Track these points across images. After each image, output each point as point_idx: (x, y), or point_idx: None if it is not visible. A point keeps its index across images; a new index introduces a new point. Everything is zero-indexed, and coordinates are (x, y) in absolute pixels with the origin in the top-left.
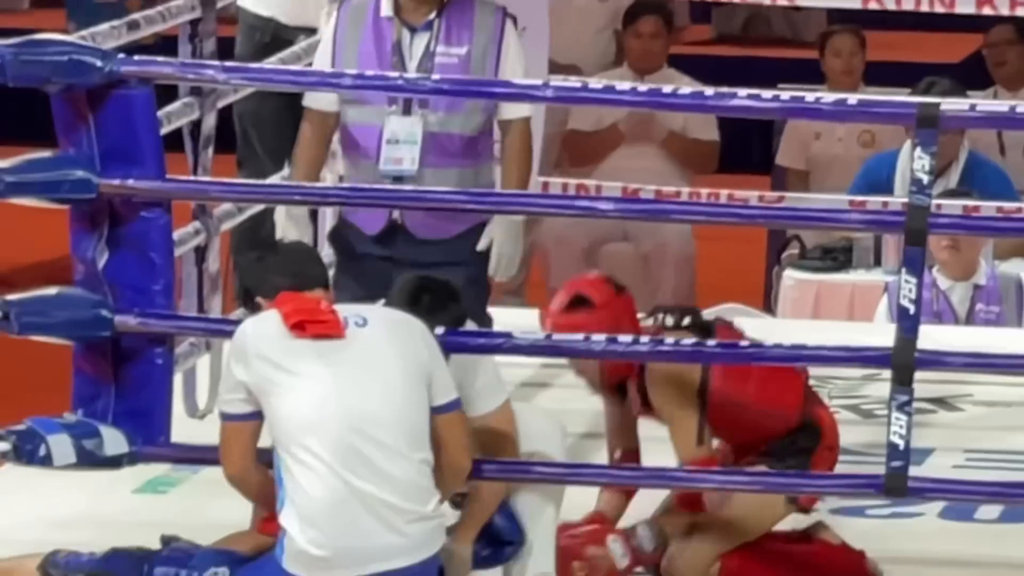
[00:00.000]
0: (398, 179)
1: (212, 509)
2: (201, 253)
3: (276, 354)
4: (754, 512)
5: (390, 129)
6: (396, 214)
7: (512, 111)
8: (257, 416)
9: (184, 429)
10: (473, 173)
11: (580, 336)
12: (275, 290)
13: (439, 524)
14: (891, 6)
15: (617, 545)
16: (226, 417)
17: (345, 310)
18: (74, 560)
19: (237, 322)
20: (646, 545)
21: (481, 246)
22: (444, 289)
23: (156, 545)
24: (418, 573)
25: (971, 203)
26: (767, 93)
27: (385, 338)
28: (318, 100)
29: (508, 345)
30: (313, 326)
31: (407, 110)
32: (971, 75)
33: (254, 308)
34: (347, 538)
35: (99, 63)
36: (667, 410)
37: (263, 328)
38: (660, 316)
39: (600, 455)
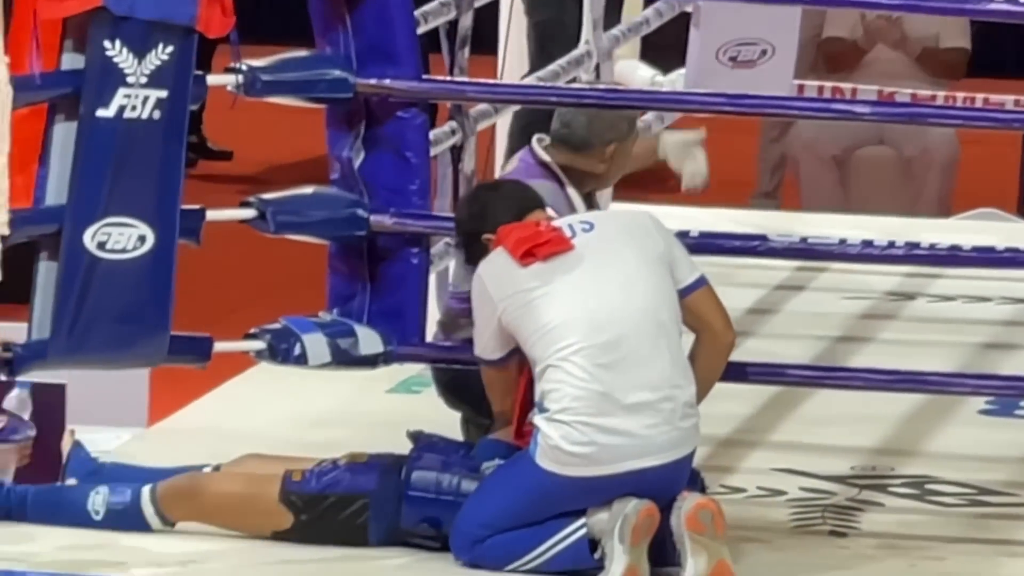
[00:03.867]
0: None
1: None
2: (457, 153)
3: (515, 287)
4: None
5: None
6: None
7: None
8: (512, 356)
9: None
10: None
11: (835, 239)
12: (497, 224)
13: (695, 422)
14: None
15: None
16: (485, 363)
17: (568, 220)
18: (316, 481)
19: None
20: None
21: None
22: None
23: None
24: (672, 473)
25: None
26: None
27: (615, 236)
28: None
29: (763, 248)
30: (540, 249)
31: None
32: None
33: (479, 246)
34: (600, 435)
35: None
36: None
37: (496, 270)
38: None
39: (855, 359)
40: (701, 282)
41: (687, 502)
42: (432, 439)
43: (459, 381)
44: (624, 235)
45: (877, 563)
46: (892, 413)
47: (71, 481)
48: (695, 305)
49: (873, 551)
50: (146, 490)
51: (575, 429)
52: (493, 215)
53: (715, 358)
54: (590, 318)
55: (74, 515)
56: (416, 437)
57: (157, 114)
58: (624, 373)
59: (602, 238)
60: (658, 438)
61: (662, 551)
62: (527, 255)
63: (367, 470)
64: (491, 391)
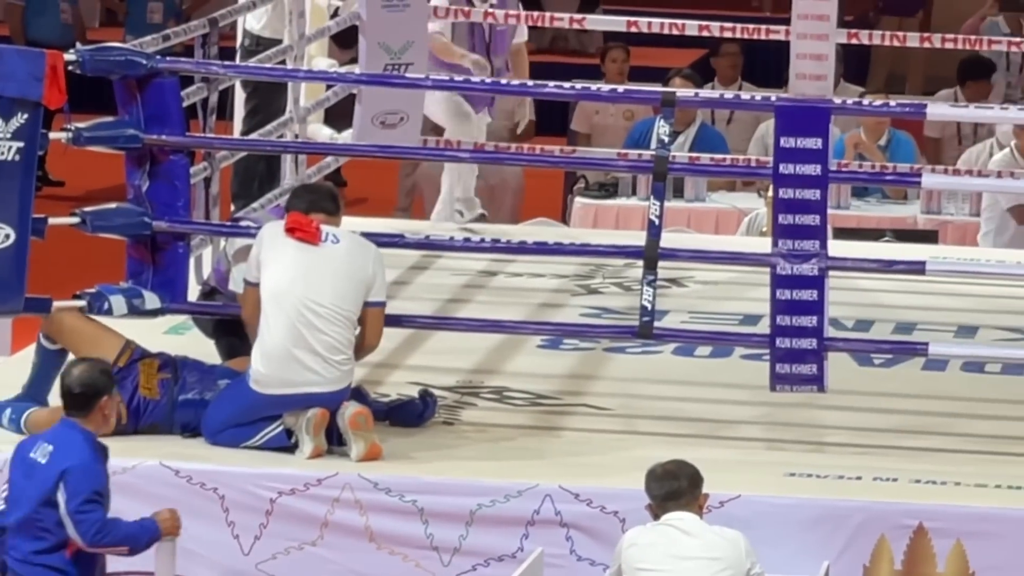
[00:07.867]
0: None
1: (211, 344)
2: (207, 182)
3: (274, 245)
4: None
5: None
6: None
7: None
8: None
9: (195, 293)
10: None
11: (447, 236)
12: (294, 208)
13: (350, 368)
14: (644, 29)
15: None
16: (247, 283)
17: (328, 229)
18: (133, 424)
19: (231, 226)
20: None
21: None
22: None
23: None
24: (329, 397)
25: (694, 155)
26: (566, 84)
27: (345, 253)
28: None
29: (401, 242)
30: (298, 233)
31: None
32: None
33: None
34: (287, 368)
35: (144, 61)
36: None
37: (272, 230)
38: None
39: (459, 312)
40: (380, 304)
41: (348, 409)
42: (189, 360)
43: (212, 324)
44: (350, 256)
45: (471, 440)
46: (482, 346)
47: None
48: (368, 316)
49: (470, 432)
50: (24, 416)
51: (271, 360)
52: (294, 203)
53: (363, 348)
54: (289, 290)
55: None
56: (183, 359)
57: (17, 157)
58: (311, 333)
59: (338, 251)
60: (326, 374)
61: (333, 439)
62: (289, 231)
63: (156, 403)
64: (244, 306)
